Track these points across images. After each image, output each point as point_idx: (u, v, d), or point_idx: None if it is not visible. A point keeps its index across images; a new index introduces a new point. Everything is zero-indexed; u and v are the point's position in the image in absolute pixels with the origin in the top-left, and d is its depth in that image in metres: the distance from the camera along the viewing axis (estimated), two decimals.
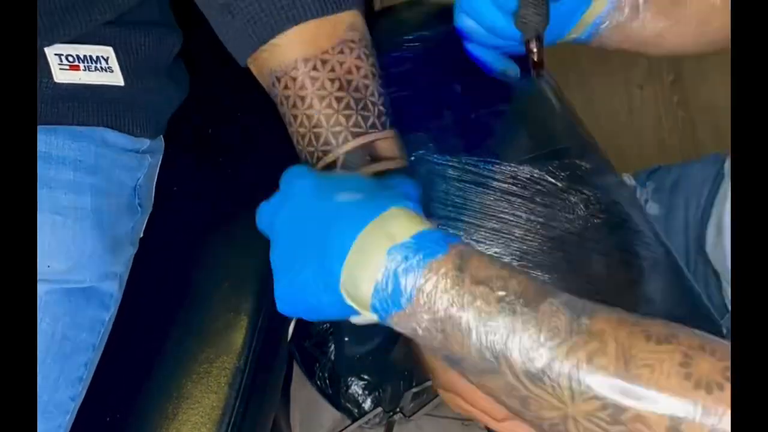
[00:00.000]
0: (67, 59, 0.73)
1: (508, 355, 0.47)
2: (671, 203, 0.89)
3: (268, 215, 0.57)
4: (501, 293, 0.47)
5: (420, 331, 0.49)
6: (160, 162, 0.85)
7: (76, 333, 0.73)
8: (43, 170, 0.72)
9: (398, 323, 0.50)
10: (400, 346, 1.23)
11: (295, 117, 0.65)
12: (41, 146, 0.72)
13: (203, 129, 0.89)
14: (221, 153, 0.90)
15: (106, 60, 0.75)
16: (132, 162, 0.79)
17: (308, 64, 0.64)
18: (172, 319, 0.83)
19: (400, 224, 0.50)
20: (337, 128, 0.63)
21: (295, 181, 0.56)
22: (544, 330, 0.46)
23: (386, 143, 0.64)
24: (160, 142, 0.84)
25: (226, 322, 0.83)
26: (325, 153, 0.64)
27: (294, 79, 0.64)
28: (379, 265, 0.49)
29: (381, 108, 0.65)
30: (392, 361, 1.20)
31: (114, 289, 0.77)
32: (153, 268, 0.80)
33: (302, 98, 0.64)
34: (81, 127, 0.74)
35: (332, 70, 0.64)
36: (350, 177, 0.57)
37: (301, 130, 0.65)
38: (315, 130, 0.64)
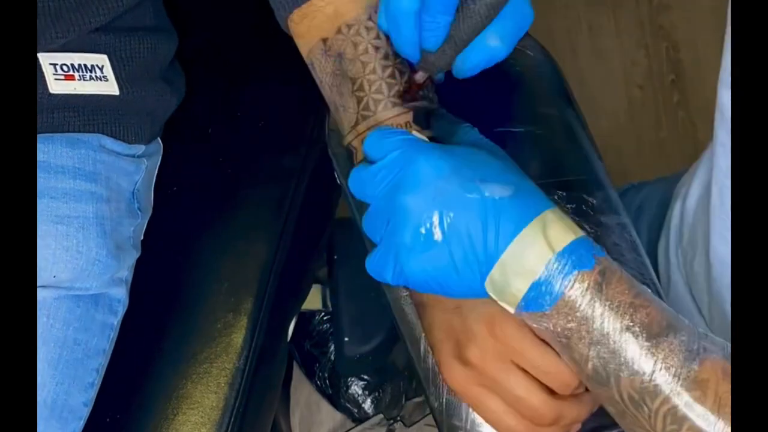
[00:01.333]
0: (62, 68, 0.73)
1: (618, 378, 0.52)
2: (636, 230, 0.88)
3: (375, 186, 0.57)
4: (628, 322, 0.52)
5: (550, 332, 0.54)
6: (158, 164, 0.85)
7: (87, 338, 0.73)
8: (42, 180, 0.72)
9: (533, 320, 0.55)
10: (401, 347, 1.23)
11: (365, 65, 0.62)
12: (39, 155, 0.72)
13: (203, 129, 0.89)
14: (221, 153, 0.90)
15: (101, 69, 0.74)
16: (129, 167, 0.79)
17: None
18: (172, 319, 0.83)
19: (556, 232, 0.53)
20: (404, 87, 0.63)
21: (419, 159, 0.55)
22: (657, 368, 0.51)
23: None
24: (158, 145, 0.84)
25: (226, 323, 0.83)
26: (392, 105, 0.62)
27: (368, 29, 0.62)
28: (535, 271, 0.53)
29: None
30: (392, 362, 1.20)
31: (122, 294, 0.76)
32: (153, 269, 0.80)
33: (377, 48, 0.62)
34: (78, 134, 0.74)
35: None
36: (479, 158, 0.56)
37: (372, 77, 0.62)
38: (389, 80, 0.62)
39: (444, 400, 0.65)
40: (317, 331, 1.21)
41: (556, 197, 0.68)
